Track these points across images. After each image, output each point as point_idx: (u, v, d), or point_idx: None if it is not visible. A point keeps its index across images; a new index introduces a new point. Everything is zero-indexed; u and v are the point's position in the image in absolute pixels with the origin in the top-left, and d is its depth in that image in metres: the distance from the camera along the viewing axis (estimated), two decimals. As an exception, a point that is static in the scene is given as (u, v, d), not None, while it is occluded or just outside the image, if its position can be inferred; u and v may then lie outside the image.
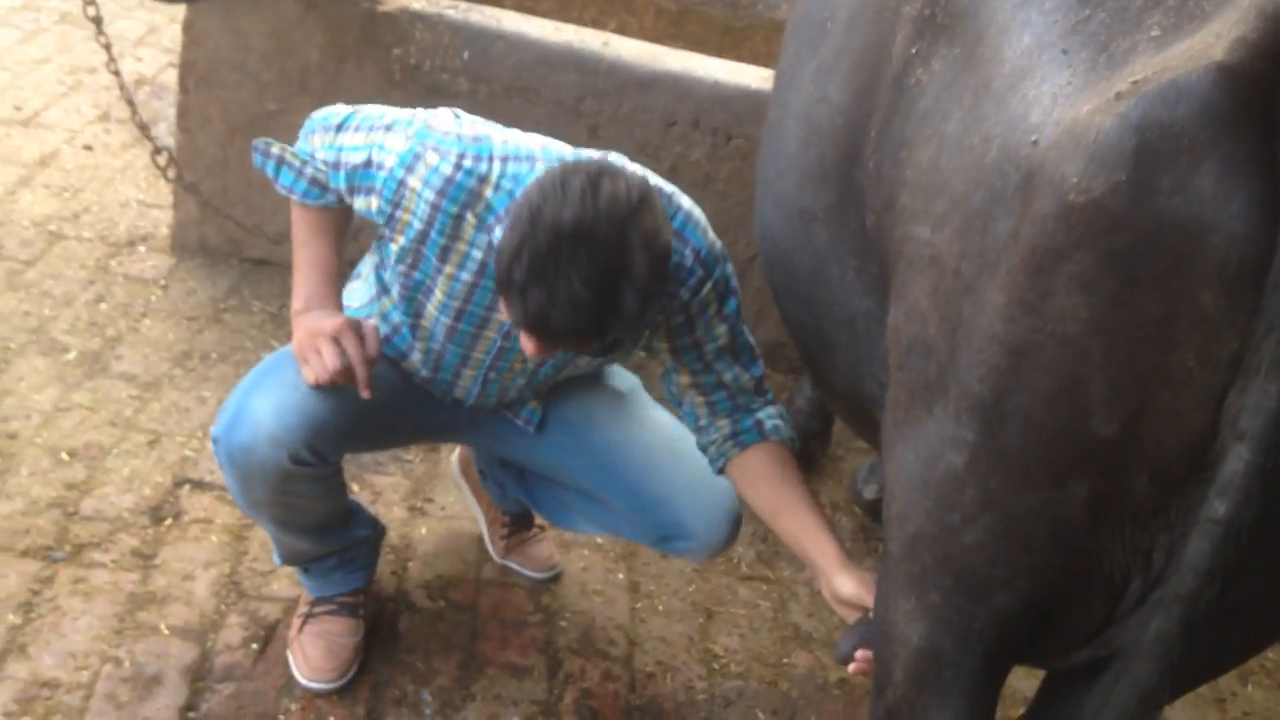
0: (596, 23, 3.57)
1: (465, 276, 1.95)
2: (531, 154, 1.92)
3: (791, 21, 2.05)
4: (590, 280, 1.62)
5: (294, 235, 2.12)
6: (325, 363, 1.94)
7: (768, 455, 2.02)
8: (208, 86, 3.26)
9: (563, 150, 1.95)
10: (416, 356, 2.13)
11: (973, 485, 1.31)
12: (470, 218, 1.90)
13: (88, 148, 3.98)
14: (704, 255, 1.95)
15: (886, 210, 1.51)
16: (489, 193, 1.88)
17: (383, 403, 2.11)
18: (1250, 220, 1.07)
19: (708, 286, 1.96)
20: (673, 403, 2.10)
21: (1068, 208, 1.14)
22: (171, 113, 3.46)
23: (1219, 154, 1.07)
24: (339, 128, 2.00)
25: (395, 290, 2.07)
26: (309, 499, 2.09)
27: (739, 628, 2.66)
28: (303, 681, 2.24)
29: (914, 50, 1.46)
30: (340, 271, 2.15)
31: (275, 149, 2.07)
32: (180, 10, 3.24)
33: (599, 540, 2.79)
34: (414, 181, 1.89)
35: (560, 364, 2.13)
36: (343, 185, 1.99)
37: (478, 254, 1.92)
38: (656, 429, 2.28)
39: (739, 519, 2.21)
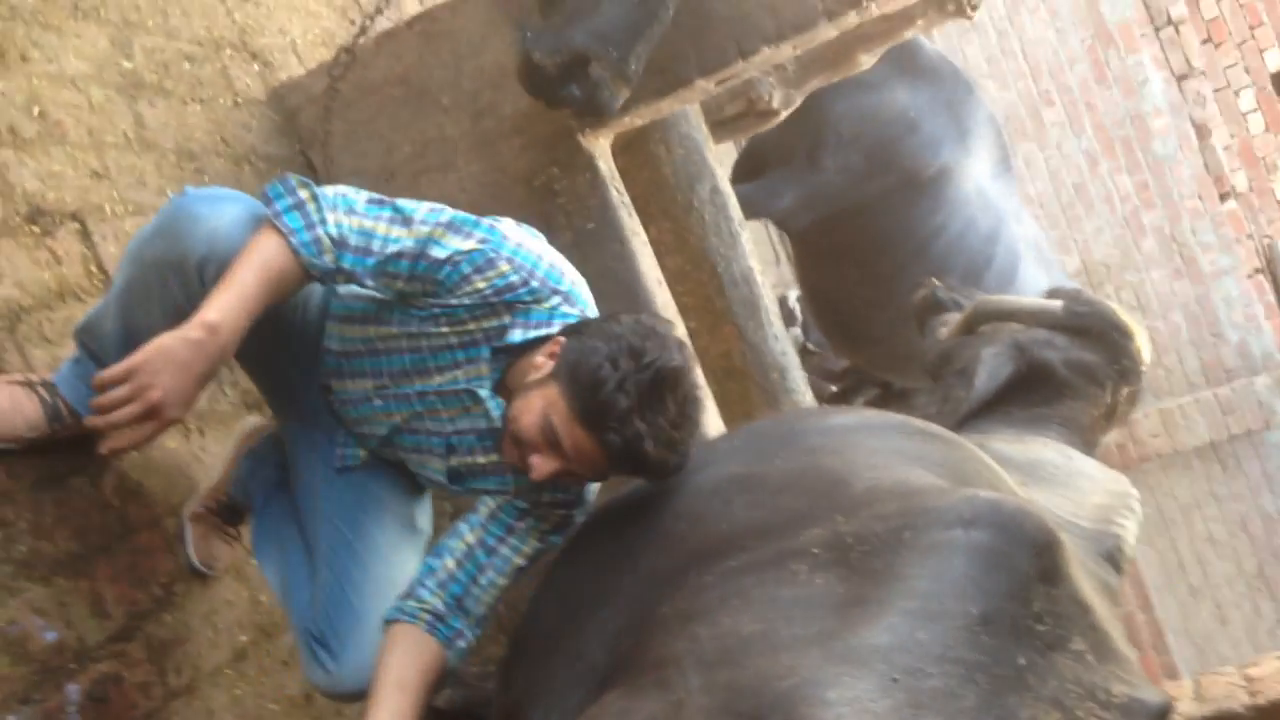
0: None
1: (453, 340, 2.03)
2: (585, 307, 2.07)
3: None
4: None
5: (244, 259, 1.91)
6: (128, 410, 1.80)
7: (413, 647, 1.98)
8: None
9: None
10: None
11: None
12: (504, 312, 2.00)
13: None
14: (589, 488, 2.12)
15: None
16: (535, 307, 2.00)
17: (290, 326, 2.11)
18: None
19: (576, 509, 2.11)
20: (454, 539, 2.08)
21: None
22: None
23: None
24: (375, 214, 1.98)
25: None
26: (163, 309, 1.94)
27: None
28: None
29: None
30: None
31: (303, 193, 1.96)
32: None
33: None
34: (480, 281, 1.97)
35: (470, 448, 2.12)
36: (351, 265, 1.96)
37: (476, 328, 2.01)
38: (400, 569, 2.19)
39: None
